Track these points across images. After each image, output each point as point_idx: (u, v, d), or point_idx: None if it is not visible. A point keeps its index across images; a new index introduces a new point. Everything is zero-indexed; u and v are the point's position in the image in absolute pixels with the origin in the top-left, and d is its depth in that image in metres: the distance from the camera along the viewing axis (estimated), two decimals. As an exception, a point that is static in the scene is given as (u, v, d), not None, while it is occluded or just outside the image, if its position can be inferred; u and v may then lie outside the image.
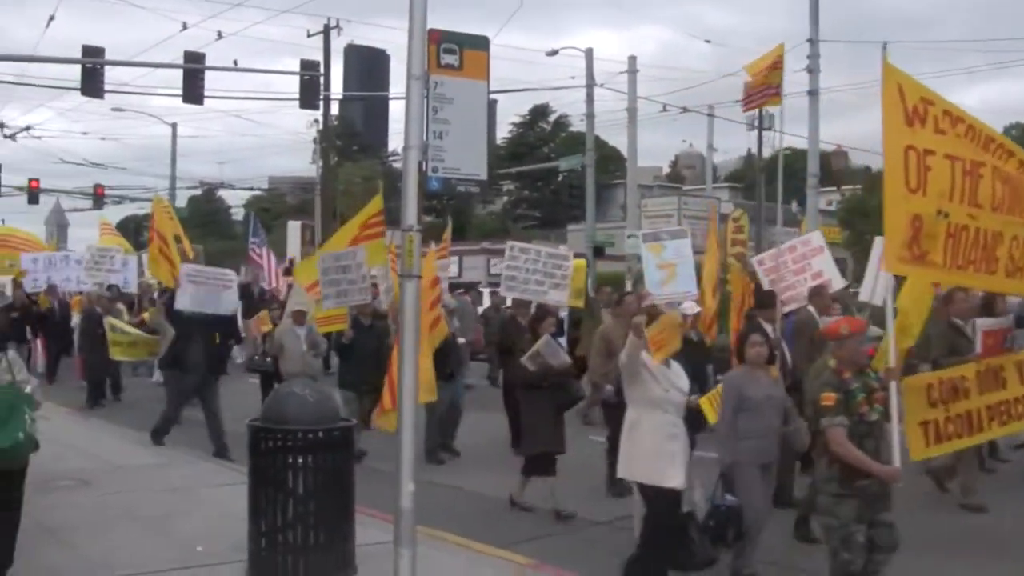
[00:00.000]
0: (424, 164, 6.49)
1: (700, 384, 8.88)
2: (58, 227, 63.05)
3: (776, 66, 11.54)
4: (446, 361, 12.98)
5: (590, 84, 34.98)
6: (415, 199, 6.35)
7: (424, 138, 6.47)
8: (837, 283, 12.73)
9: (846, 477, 6.57)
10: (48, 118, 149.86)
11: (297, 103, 28.15)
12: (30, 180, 40.34)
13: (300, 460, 7.01)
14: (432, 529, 8.41)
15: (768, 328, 10.09)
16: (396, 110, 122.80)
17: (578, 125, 56.85)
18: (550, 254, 13.51)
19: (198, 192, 71.92)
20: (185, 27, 30.88)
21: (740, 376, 8.01)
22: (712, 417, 8.72)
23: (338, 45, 59.29)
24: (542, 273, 13.09)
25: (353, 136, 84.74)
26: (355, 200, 61.42)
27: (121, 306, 20.01)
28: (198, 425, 13.74)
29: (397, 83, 79.42)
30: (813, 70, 27.78)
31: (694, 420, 8.30)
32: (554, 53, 36.83)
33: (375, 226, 13.81)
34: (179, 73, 26.26)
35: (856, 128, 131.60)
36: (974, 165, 7.28)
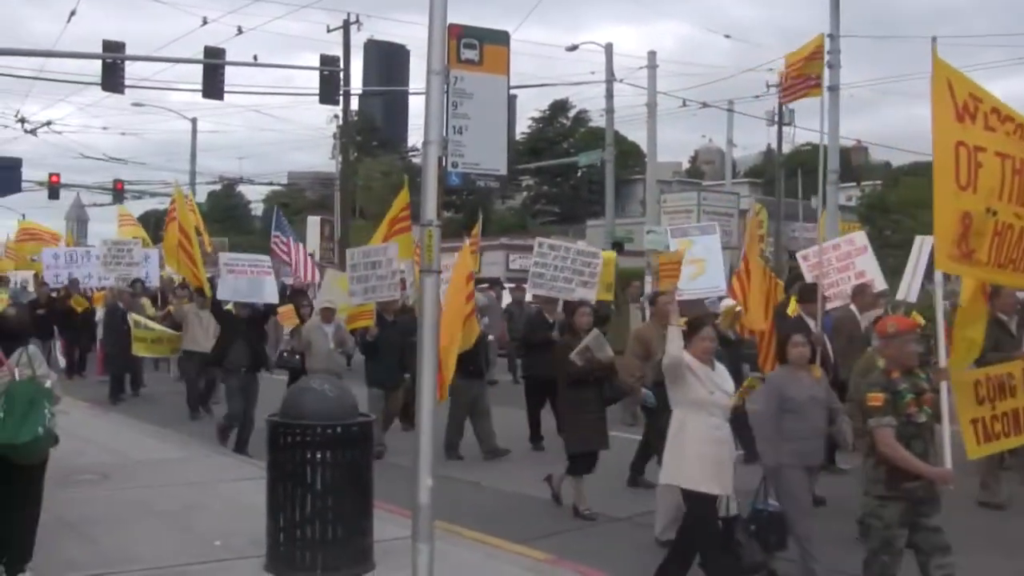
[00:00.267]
0: (444, 159, 6.48)
1: (737, 384, 8.75)
2: (78, 222, 63.47)
3: (815, 56, 11.40)
4: (476, 359, 12.92)
5: (610, 79, 34.89)
6: (435, 194, 6.33)
7: (444, 133, 6.45)
8: (880, 284, 12.62)
9: (893, 479, 6.40)
10: (68, 113, 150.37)
11: (317, 98, 28.22)
12: (50, 175, 40.64)
13: (319, 455, 7.00)
14: (450, 524, 8.40)
15: (810, 323, 10.00)
16: (416, 105, 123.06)
17: (597, 120, 56.93)
18: (580, 251, 13.39)
19: (217, 187, 72.20)
20: (205, 22, 31.04)
21: (781, 376, 7.86)
22: None
23: (358, 40, 59.14)
24: (571, 270, 12.99)
25: (373, 131, 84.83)
26: (374, 195, 61.78)
27: (145, 300, 20.09)
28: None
29: (417, 78, 79.35)
30: (833, 65, 27.60)
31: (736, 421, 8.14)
32: (574, 48, 36.88)
33: (403, 220, 13.81)
34: (199, 68, 26.35)
35: (876, 124, 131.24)
36: (1023, 164, 7.20)
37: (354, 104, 46.08)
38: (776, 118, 45.85)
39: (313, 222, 50.01)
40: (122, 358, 18.27)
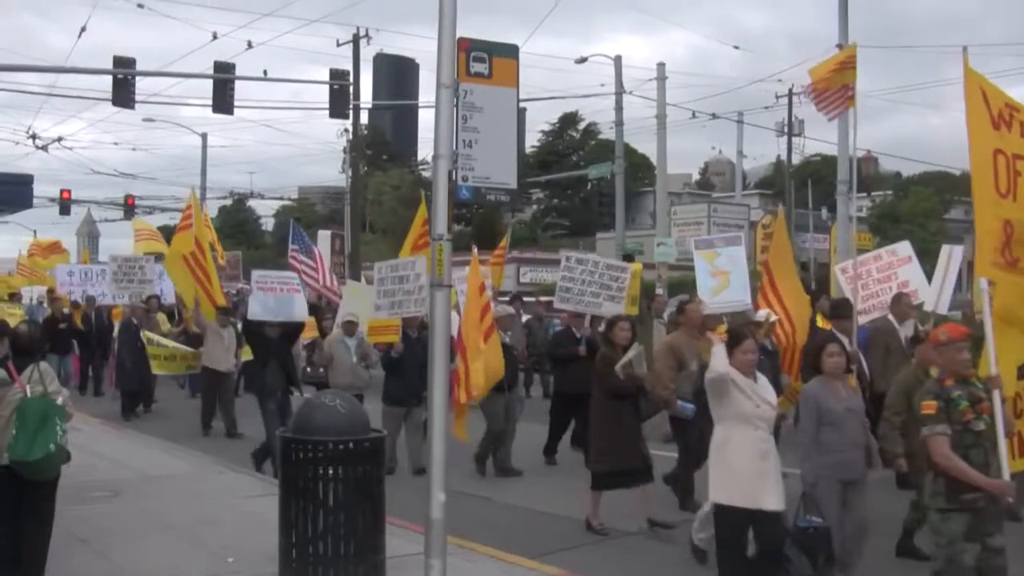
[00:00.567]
0: (454, 173, 6.47)
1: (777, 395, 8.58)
2: (89, 237, 63.81)
3: (847, 65, 11.17)
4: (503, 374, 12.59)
5: (619, 91, 34.91)
6: (445, 208, 6.33)
7: (454, 147, 6.45)
8: (923, 294, 12.48)
9: (952, 491, 6.21)
10: (80, 129, 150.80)
11: (327, 112, 28.27)
12: (62, 191, 40.61)
13: (331, 471, 6.97)
14: (463, 540, 8.37)
15: (844, 340, 9.64)
16: (426, 119, 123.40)
17: (607, 132, 56.84)
18: (608, 265, 13.29)
19: (228, 202, 72.34)
20: (215, 37, 31.05)
21: (818, 387, 7.63)
22: None
23: (367, 54, 59.28)
24: (598, 285, 12.87)
25: (383, 145, 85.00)
26: (384, 209, 61.88)
27: (161, 316, 19.99)
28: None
29: (427, 92, 79.64)
30: (848, 75, 27.47)
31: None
32: (583, 60, 36.84)
33: (424, 236, 13.74)
34: (210, 83, 26.42)
35: (885, 133, 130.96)
36: None
37: (364, 118, 45.99)
38: (786, 129, 45.88)
39: (324, 236, 49.97)
40: (136, 373, 18.22)
